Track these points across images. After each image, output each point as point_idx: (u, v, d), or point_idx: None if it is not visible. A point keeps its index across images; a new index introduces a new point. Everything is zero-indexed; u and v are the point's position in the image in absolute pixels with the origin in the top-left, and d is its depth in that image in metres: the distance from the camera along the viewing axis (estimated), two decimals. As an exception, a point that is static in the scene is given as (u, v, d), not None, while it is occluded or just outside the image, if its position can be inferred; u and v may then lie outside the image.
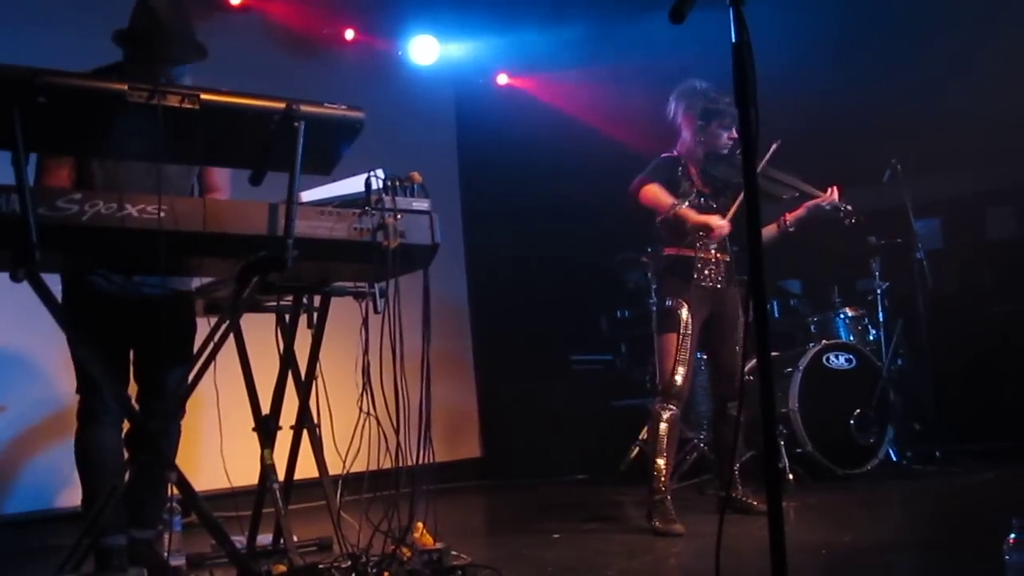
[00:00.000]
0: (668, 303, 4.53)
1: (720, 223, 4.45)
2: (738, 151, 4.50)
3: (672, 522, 4.23)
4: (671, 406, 4.45)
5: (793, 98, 6.03)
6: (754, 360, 4.88)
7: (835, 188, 4.79)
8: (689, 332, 4.47)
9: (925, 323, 6.31)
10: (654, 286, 4.72)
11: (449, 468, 6.69)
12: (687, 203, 4.50)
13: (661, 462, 4.39)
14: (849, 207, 4.79)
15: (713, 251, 4.58)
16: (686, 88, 4.65)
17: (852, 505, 5.02)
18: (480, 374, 7.61)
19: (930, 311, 6.34)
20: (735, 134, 4.55)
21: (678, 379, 4.43)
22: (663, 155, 4.68)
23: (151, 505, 3.53)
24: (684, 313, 4.48)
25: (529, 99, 7.75)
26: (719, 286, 4.60)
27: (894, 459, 6.04)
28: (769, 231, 4.73)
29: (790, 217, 4.71)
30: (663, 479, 4.37)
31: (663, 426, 4.42)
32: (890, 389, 6.06)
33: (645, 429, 4.55)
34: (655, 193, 4.51)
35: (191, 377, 3.10)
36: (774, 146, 4.56)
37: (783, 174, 4.70)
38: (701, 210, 4.54)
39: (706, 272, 4.57)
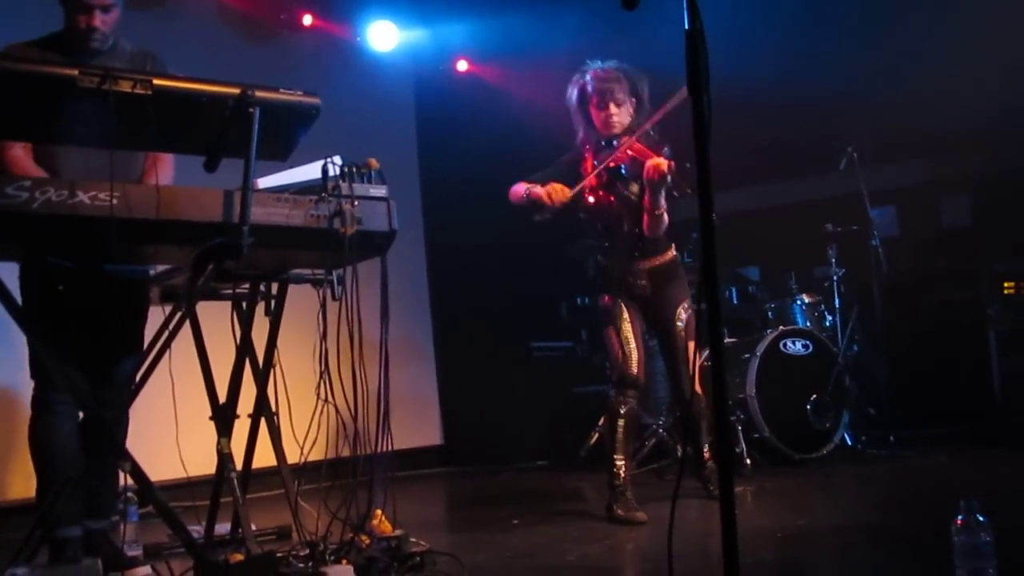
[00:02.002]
0: (602, 300, 4.51)
1: (557, 190, 4.27)
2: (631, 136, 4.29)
3: (634, 510, 4.23)
4: (629, 397, 4.39)
5: (750, 87, 6.07)
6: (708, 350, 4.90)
7: (654, 159, 4.18)
8: (627, 321, 4.42)
9: (880, 309, 6.39)
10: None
11: (409, 455, 6.69)
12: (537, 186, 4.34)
13: (620, 458, 4.36)
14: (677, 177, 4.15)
15: (626, 258, 4.47)
16: (571, 81, 4.48)
17: (808, 489, 5.08)
18: (440, 361, 7.62)
19: (885, 298, 6.42)
20: (612, 108, 4.34)
21: (632, 367, 4.38)
22: (569, 152, 4.55)
23: (106, 495, 3.50)
24: (616, 307, 4.45)
25: (489, 86, 7.74)
26: (641, 292, 4.49)
27: (849, 443, 6.12)
28: (645, 220, 4.37)
29: (646, 200, 4.29)
30: (623, 474, 4.35)
31: (621, 422, 4.38)
32: (846, 375, 6.13)
33: (603, 419, 4.50)
34: (515, 189, 4.42)
35: (145, 366, 3.07)
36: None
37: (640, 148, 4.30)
38: (595, 204, 4.43)
39: (620, 278, 4.49)
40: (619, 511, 4.24)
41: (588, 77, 4.42)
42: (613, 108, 4.37)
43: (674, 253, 4.62)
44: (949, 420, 6.52)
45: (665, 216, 4.34)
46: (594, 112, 4.41)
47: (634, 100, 4.42)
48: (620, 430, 4.39)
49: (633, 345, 4.42)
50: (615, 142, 4.38)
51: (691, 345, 4.51)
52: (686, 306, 4.54)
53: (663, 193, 4.24)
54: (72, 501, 3.27)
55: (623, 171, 4.36)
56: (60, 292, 3.31)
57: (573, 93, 4.47)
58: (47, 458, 3.37)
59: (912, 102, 6.69)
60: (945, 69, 6.52)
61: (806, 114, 6.95)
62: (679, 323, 4.51)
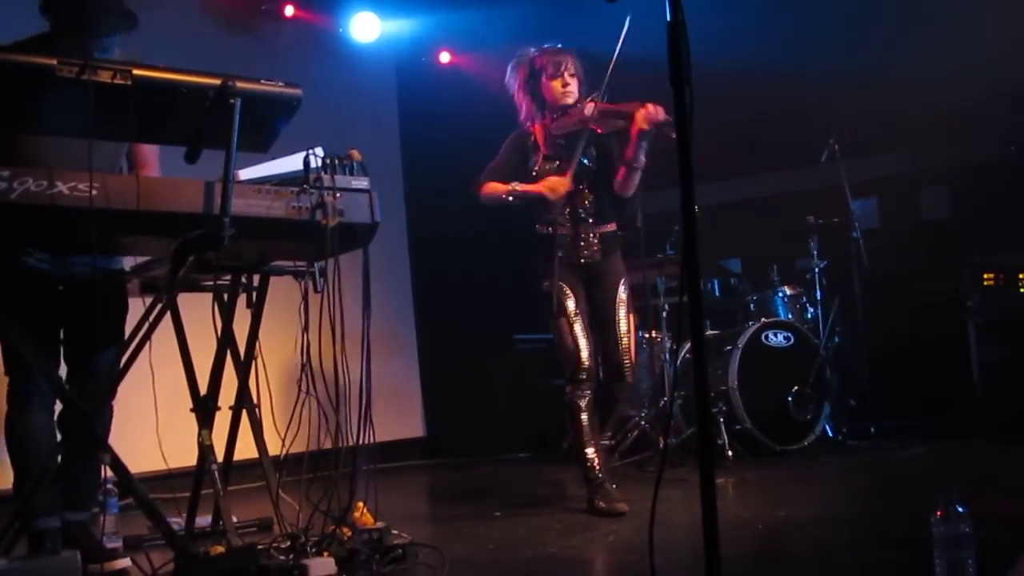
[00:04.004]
0: (545, 285, 4.38)
1: (553, 184, 4.30)
2: (581, 105, 4.33)
3: (615, 501, 4.23)
4: (585, 391, 4.36)
5: (731, 79, 6.07)
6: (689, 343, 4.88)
7: (647, 106, 4.19)
8: (575, 311, 4.35)
9: (861, 301, 6.42)
10: (535, 266, 4.52)
11: (391, 447, 6.67)
12: (517, 183, 4.39)
13: (590, 451, 4.35)
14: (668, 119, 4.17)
15: (581, 224, 4.42)
16: (512, 63, 4.53)
17: (789, 480, 5.10)
18: (423, 353, 7.60)
19: (866, 289, 6.45)
20: (567, 77, 4.38)
21: (585, 360, 4.33)
22: (511, 135, 4.56)
23: (85, 487, 3.49)
24: (563, 293, 4.35)
25: (471, 77, 7.71)
26: (590, 261, 4.44)
27: (830, 435, 6.14)
28: (621, 176, 4.37)
29: (628, 154, 4.30)
30: (597, 466, 4.34)
31: (584, 416, 4.35)
32: (827, 366, 6.16)
33: (568, 419, 4.38)
34: (491, 189, 4.44)
35: (125, 357, 3.06)
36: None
37: (608, 106, 4.33)
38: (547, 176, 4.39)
39: (572, 247, 4.42)
40: (600, 503, 4.25)
41: (536, 53, 4.45)
42: (568, 78, 4.40)
43: (616, 225, 4.57)
44: (929, 411, 6.56)
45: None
46: (547, 84, 4.41)
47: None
48: (585, 425, 4.37)
49: (583, 335, 4.35)
50: (575, 108, 4.36)
51: (631, 318, 4.49)
52: (624, 281, 4.51)
53: (646, 144, 4.25)
54: (50, 492, 3.25)
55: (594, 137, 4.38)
56: (36, 282, 3.28)
57: (517, 72, 4.49)
58: (23, 451, 3.35)
59: (893, 94, 6.71)
60: (926, 60, 6.54)
61: (787, 106, 6.96)
62: (620, 298, 4.46)
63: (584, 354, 4.35)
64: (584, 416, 4.37)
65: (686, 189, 2.02)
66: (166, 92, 2.85)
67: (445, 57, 7.77)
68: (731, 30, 6.25)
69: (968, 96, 6.43)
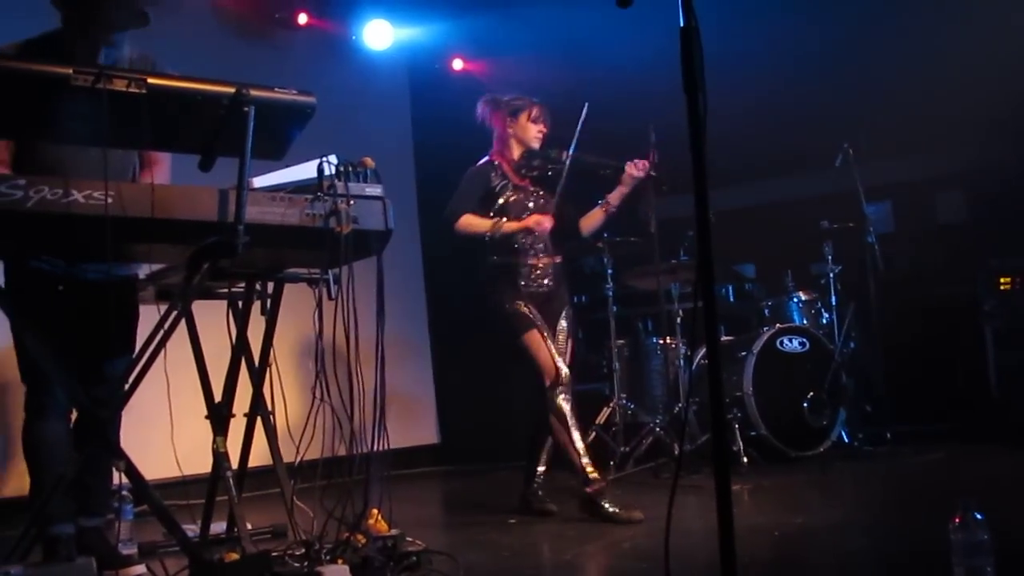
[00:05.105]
0: (509, 306, 4.54)
1: (540, 219, 4.52)
2: (556, 152, 4.60)
3: (630, 508, 4.21)
4: (569, 395, 4.45)
5: (746, 83, 6.06)
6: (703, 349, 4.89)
7: (640, 162, 4.60)
8: (543, 323, 4.52)
9: (876, 306, 6.39)
10: (487, 292, 4.69)
11: (405, 454, 6.69)
12: (504, 219, 4.58)
13: (587, 460, 4.35)
14: (658, 175, 4.67)
15: (540, 256, 4.65)
16: (488, 97, 4.79)
17: (805, 487, 5.08)
18: (437, 360, 7.60)
19: (881, 294, 6.42)
20: (544, 127, 4.68)
21: (563, 365, 4.46)
22: (471, 168, 4.75)
23: (99, 493, 3.50)
24: (530, 310, 4.53)
25: (484, 84, 7.72)
26: (546, 289, 4.65)
27: (846, 441, 6.12)
28: (597, 217, 4.76)
29: (613, 198, 4.67)
30: (597, 472, 4.34)
31: (572, 421, 4.41)
32: (842, 372, 6.13)
33: (557, 426, 4.39)
34: (469, 223, 4.59)
35: (140, 365, 3.06)
36: (580, 124, 4.52)
37: (591, 155, 4.64)
38: (520, 210, 4.62)
39: (533, 277, 4.63)
40: (613, 508, 4.20)
41: (525, 98, 4.72)
42: (543, 125, 4.71)
43: (562, 258, 4.83)
44: (946, 416, 6.53)
45: None
46: (526, 124, 4.68)
47: None
48: (576, 430, 4.40)
49: (552, 344, 4.51)
50: (552, 154, 4.62)
51: (570, 343, 4.73)
52: (567, 312, 4.74)
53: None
54: (66, 499, 3.26)
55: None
56: (50, 288, 3.30)
57: (497, 108, 4.74)
58: (40, 460, 3.36)
59: (907, 98, 6.69)
60: (940, 65, 6.52)
61: (801, 111, 6.94)
62: (560, 326, 4.67)
63: (560, 360, 4.48)
64: (573, 421, 4.42)
65: (700, 195, 2.01)
66: (180, 100, 2.85)
67: (458, 64, 7.78)
68: (746, 35, 6.24)
69: (982, 100, 6.40)
